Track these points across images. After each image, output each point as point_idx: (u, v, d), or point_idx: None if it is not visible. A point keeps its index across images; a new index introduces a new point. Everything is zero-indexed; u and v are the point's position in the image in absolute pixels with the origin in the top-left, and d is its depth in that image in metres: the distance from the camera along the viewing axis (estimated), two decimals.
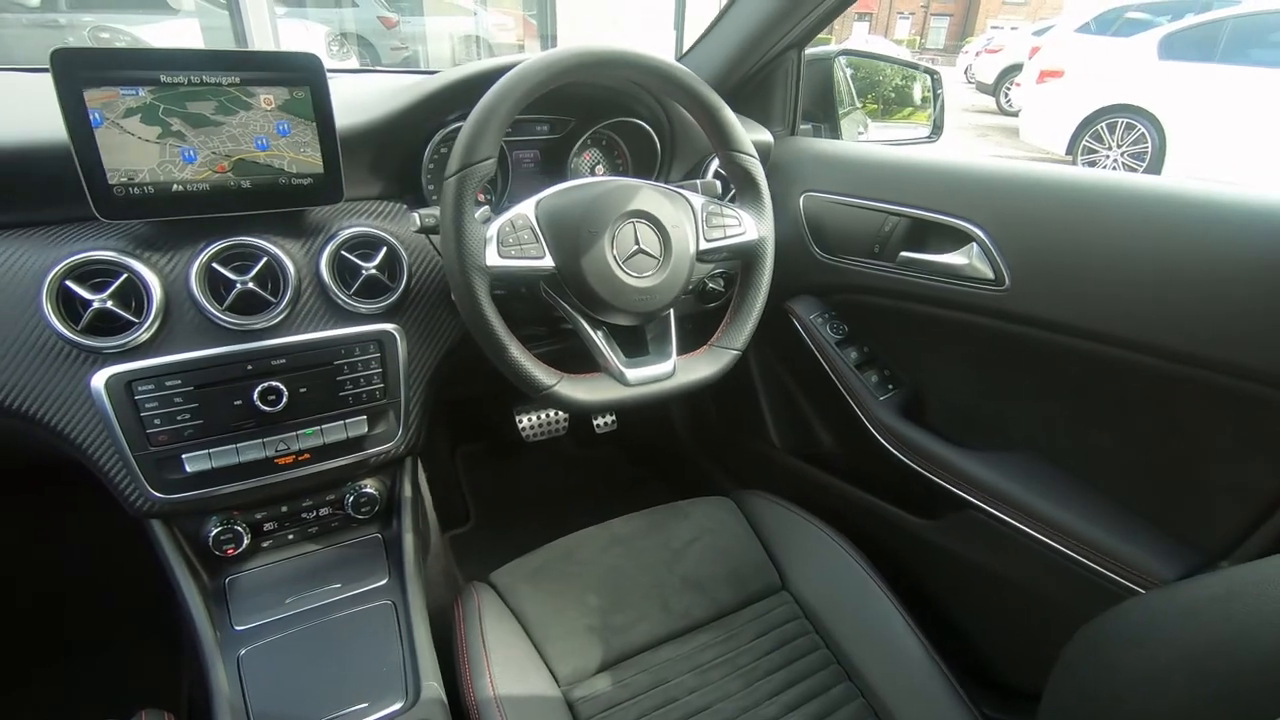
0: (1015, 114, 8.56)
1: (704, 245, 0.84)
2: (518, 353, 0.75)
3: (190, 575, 0.81)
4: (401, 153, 0.90)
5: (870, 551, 0.98)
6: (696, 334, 0.95)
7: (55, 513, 1.20)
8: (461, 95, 0.89)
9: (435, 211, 0.80)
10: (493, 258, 0.73)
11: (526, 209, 0.78)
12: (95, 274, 0.72)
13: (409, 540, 0.90)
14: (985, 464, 0.94)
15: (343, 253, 0.83)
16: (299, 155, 0.78)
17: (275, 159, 0.77)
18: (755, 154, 0.87)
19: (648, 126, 1.06)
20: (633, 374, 0.80)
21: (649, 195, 0.81)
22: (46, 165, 0.71)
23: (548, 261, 0.77)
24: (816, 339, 1.13)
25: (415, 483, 0.96)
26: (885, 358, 1.13)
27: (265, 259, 0.79)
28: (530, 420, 1.48)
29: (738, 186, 0.88)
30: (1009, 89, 10.16)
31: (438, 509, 1.18)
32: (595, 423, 1.56)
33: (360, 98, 0.89)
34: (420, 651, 0.79)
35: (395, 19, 7.19)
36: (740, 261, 0.90)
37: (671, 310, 0.85)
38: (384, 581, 0.87)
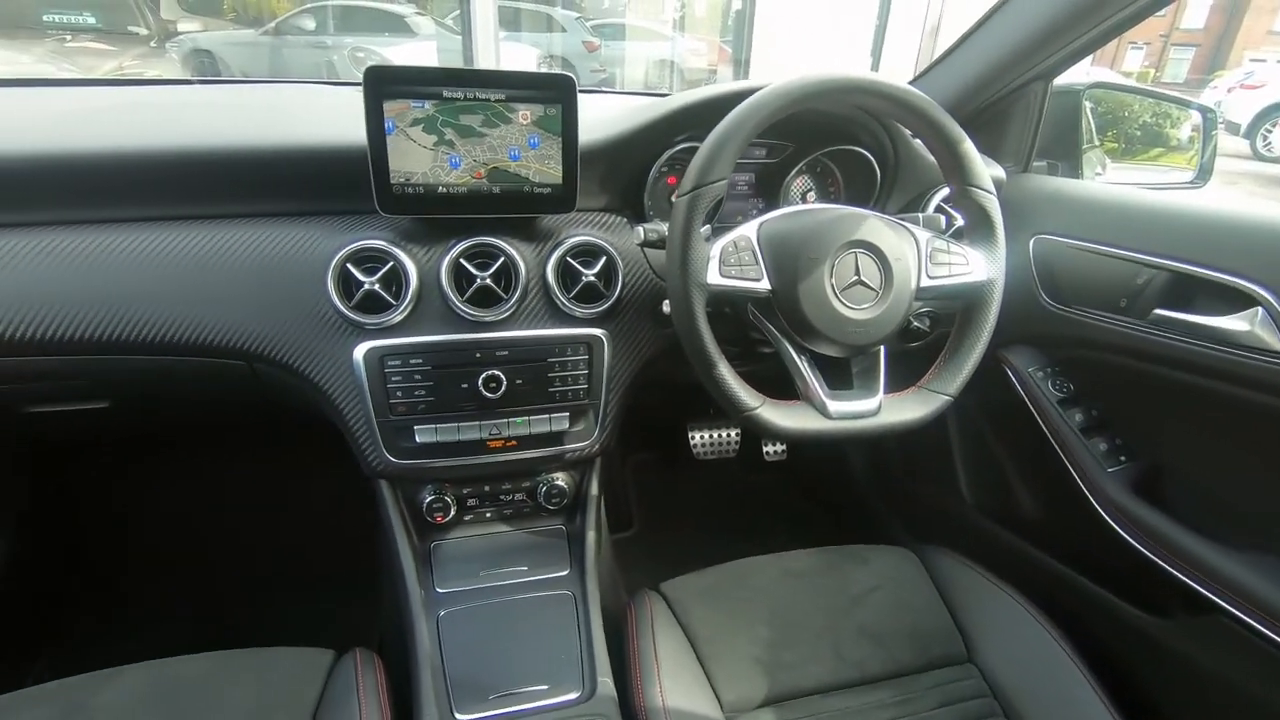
0: (1276, 160, 7.32)
1: (925, 282, 0.80)
2: (725, 371, 0.75)
3: (405, 534, 0.90)
4: (629, 169, 0.95)
5: (1077, 637, 0.87)
6: (893, 373, 0.91)
7: (298, 468, 1.40)
8: (693, 118, 0.92)
9: (658, 226, 0.83)
10: (713, 276, 0.75)
11: (749, 230, 0.78)
12: (368, 259, 0.83)
13: (591, 537, 0.94)
14: (1247, 564, 0.80)
15: (568, 259, 0.89)
16: (543, 167, 0.85)
17: (523, 169, 0.84)
18: (994, 191, 0.81)
19: (869, 155, 1.03)
20: (835, 406, 0.78)
21: (874, 226, 0.79)
22: (344, 164, 0.83)
23: (764, 284, 0.77)
24: (1034, 394, 1.03)
25: (601, 482, 1.00)
26: (1118, 425, 1.01)
27: (503, 259, 0.86)
28: (703, 438, 1.49)
29: (970, 224, 0.83)
30: (1269, 130, 8.73)
31: (606, 512, 1.23)
32: (765, 449, 1.54)
33: (598, 116, 0.95)
34: (596, 648, 0.82)
35: (597, 43, 7.67)
36: (960, 303, 0.84)
37: (883, 346, 0.82)
38: (565, 572, 0.92)
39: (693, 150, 0.88)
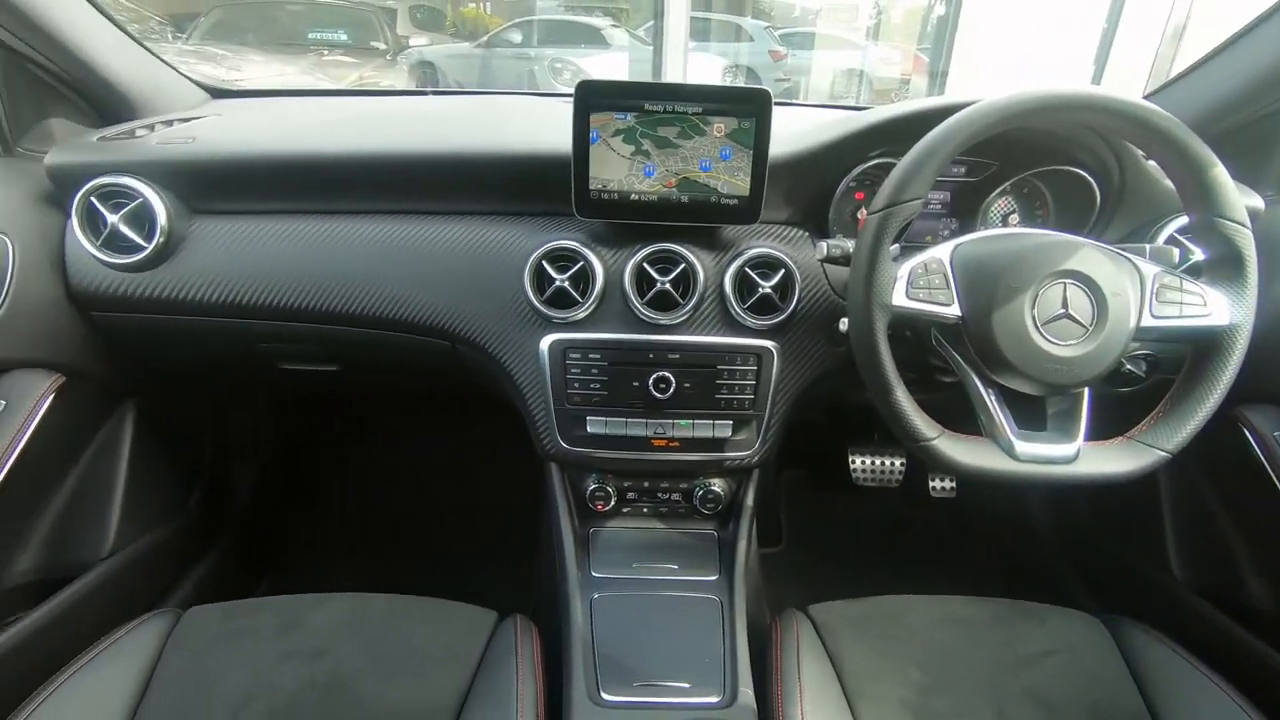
0: None
1: (1148, 321, 0.72)
2: (902, 396, 0.73)
3: (569, 516, 0.96)
4: (816, 184, 0.94)
5: None
6: (1096, 419, 0.81)
7: (483, 442, 1.54)
8: (890, 133, 0.90)
9: (842, 243, 0.82)
10: (899, 297, 0.72)
11: (942, 253, 0.75)
12: (561, 258, 0.90)
13: (743, 546, 0.95)
14: None
15: (746, 269, 0.90)
16: (732, 178, 0.87)
17: (712, 180, 0.87)
18: (1249, 224, 0.71)
19: (1090, 177, 0.93)
20: (1024, 448, 0.72)
21: (1090, 255, 0.72)
22: (546, 170, 0.90)
23: (953, 310, 0.73)
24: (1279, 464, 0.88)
25: (756, 493, 1.00)
26: None
27: (683, 265, 0.89)
28: (864, 463, 1.43)
29: (1214, 260, 0.73)
30: None
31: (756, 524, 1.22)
32: (932, 484, 1.45)
33: (787, 129, 0.95)
34: (740, 657, 0.82)
35: (784, 53, 7.58)
36: (1190, 348, 0.74)
37: (1088, 388, 0.74)
38: (714, 578, 0.93)
39: (886, 167, 0.86)
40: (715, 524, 1.02)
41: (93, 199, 0.90)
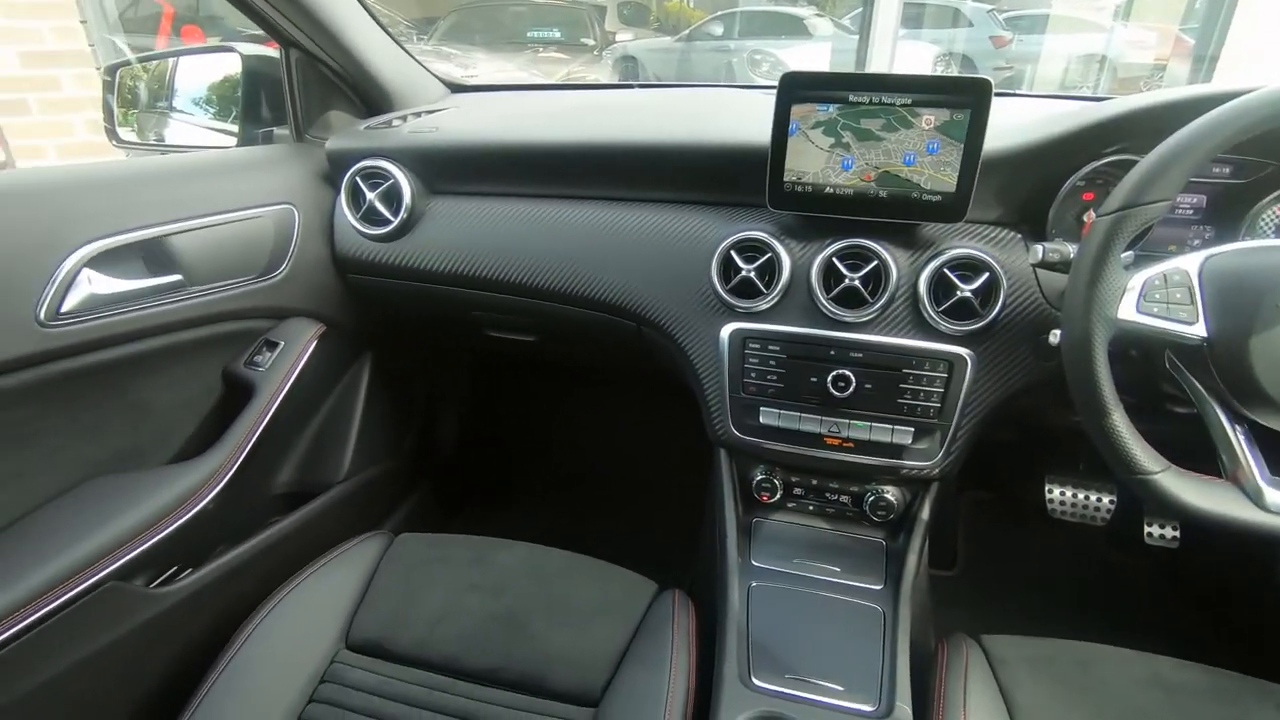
0: None
1: None
2: (1120, 421, 0.65)
3: (733, 503, 0.98)
4: (1036, 182, 0.86)
5: None
6: None
7: (659, 421, 1.61)
8: (1132, 127, 0.80)
9: (1061, 246, 0.75)
10: (1127, 310, 0.65)
11: (1189, 263, 0.66)
12: (749, 249, 0.91)
13: (913, 561, 0.90)
14: None
15: (945, 270, 0.85)
16: (937, 173, 0.82)
17: (916, 174, 0.83)
18: None
19: None
20: (1276, 497, 0.61)
21: None
22: (740, 161, 0.92)
23: (1197, 330, 0.64)
24: None
25: (933, 507, 0.94)
26: None
27: (875, 263, 0.86)
28: (1064, 494, 1.29)
29: None
30: None
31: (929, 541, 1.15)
32: (1149, 528, 1.27)
33: (1004, 122, 0.88)
34: (899, 672, 0.79)
35: (1008, 38, 6.88)
36: None
37: None
38: (879, 588, 0.90)
39: (1125, 165, 0.77)
40: (884, 533, 0.98)
41: (357, 178, 1.07)
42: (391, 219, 1.07)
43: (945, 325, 0.85)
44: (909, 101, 0.81)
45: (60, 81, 3.18)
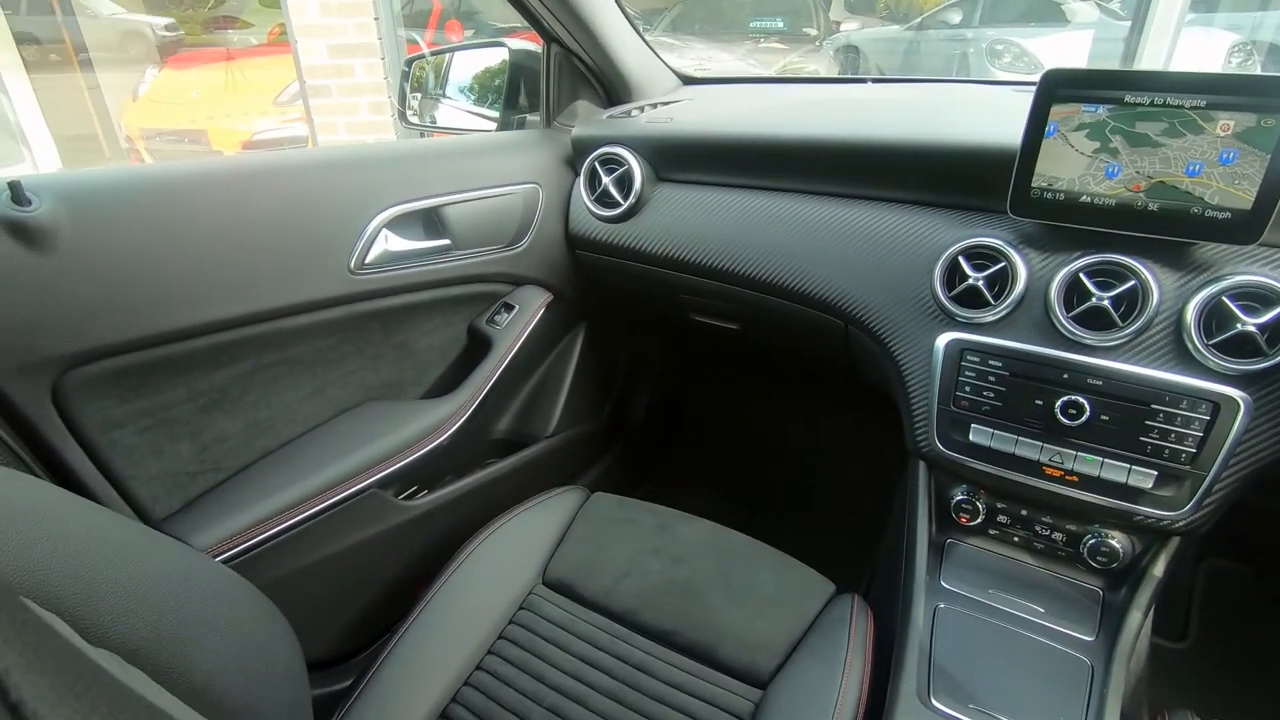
0: None
1: None
2: None
3: (928, 519, 0.94)
4: None
5: None
6: None
7: (855, 421, 1.58)
8: None
9: None
10: None
11: None
12: (980, 255, 0.86)
13: (1136, 618, 0.81)
14: None
15: (1224, 299, 0.74)
16: (1229, 187, 0.72)
17: (1200, 187, 0.73)
18: None
19: None
20: None
21: None
22: (979, 163, 0.87)
23: None
24: None
25: (1169, 564, 0.83)
26: None
27: (1133, 283, 0.78)
28: None
29: None
30: None
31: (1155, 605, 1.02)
32: None
33: None
34: None
35: None
36: None
37: None
38: (1091, 639, 0.82)
39: None
40: (1103, 582, 0.88)
41: (596, 163, 1.18)
42: (621, 202, 1.15)
43: (1215, 361, 0.74)
44: (1203, 104, 0.71)
45: (354, 70, 3.78)
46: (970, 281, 0.85)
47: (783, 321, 1.10)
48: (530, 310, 1.20)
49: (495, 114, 1.40)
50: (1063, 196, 0.79)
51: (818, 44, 6.93)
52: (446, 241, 1.08)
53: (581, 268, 1.29)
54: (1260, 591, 1.29)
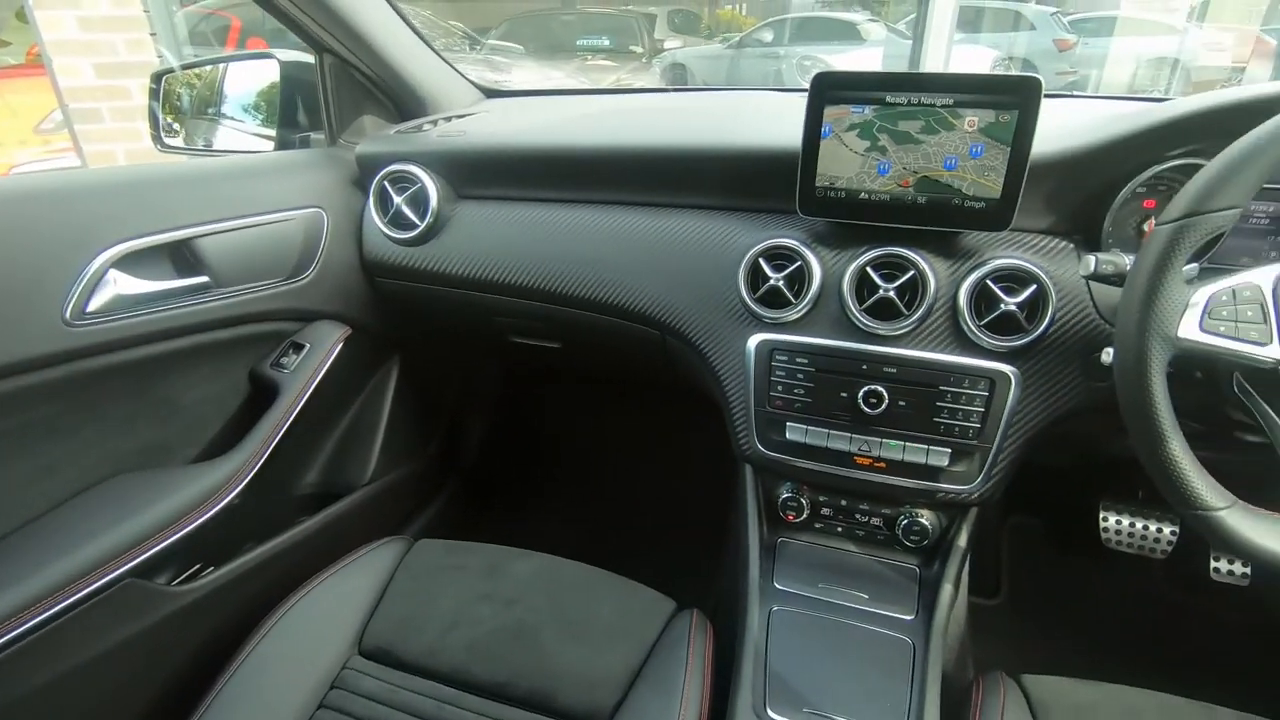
0: None
1: None
2: (1180, 451, 0.59)
3: (757, 521, 0.93)
4: (1089, 188, 0.80)
5: None
6: None
7: (685, 434, 1.58)
8: (1199, 128, 0.73)
9: (1116, 258, 0.69)
10: (1189, 329, 0.59)
11: (1263, 278, 0.59)
12: (778, 256, 0.87)
13: (948, 591, 0.85)
14: None
15: (988, 282, 0.80)
16: (980, 178, 0.77)
17: (957, 179, 0.78)
18: None
19: None
20: None
21: None
22: (771, 165, 0.88)
23: (1270, 351, 0.57)
24: None
25: (971, 534, 0.88)
26: None
27: (912, 273, 0.81)
28: (1120, 523, 1.20)
29: None
30: None
31: (970, 570, 1.09)
32: (1215, 563, 1.17)
33: (1059, 124, 0.82)
34: (927, 713, 0.74)
35: (1072, 41, 6.63)
36: None
37: None
38: (910, 619, 0.84)
39: (1190, 169, 0.71)
40: (918, 559, 0.92)
41: (385, 183, 1.08)
42: (418, 223, 1.06)
43: (987, 340, 0.80)
44: (950, 102, 0.76)
45: (130, 91, 3.34)
46: (771, 282, 0.86)
47: (601, 336, 1.06)
48: (325, 348, 1.07)
49: (273, 133, 1.25)
50: (844, 195, 0.82)
51: (645, 60, 7.15)
52: (204, 279, 0.93)
53: (384, 296, 1.18)
54: (1051, 541, 1.44)
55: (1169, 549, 1.18)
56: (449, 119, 1.18)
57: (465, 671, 0.81)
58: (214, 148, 1.38)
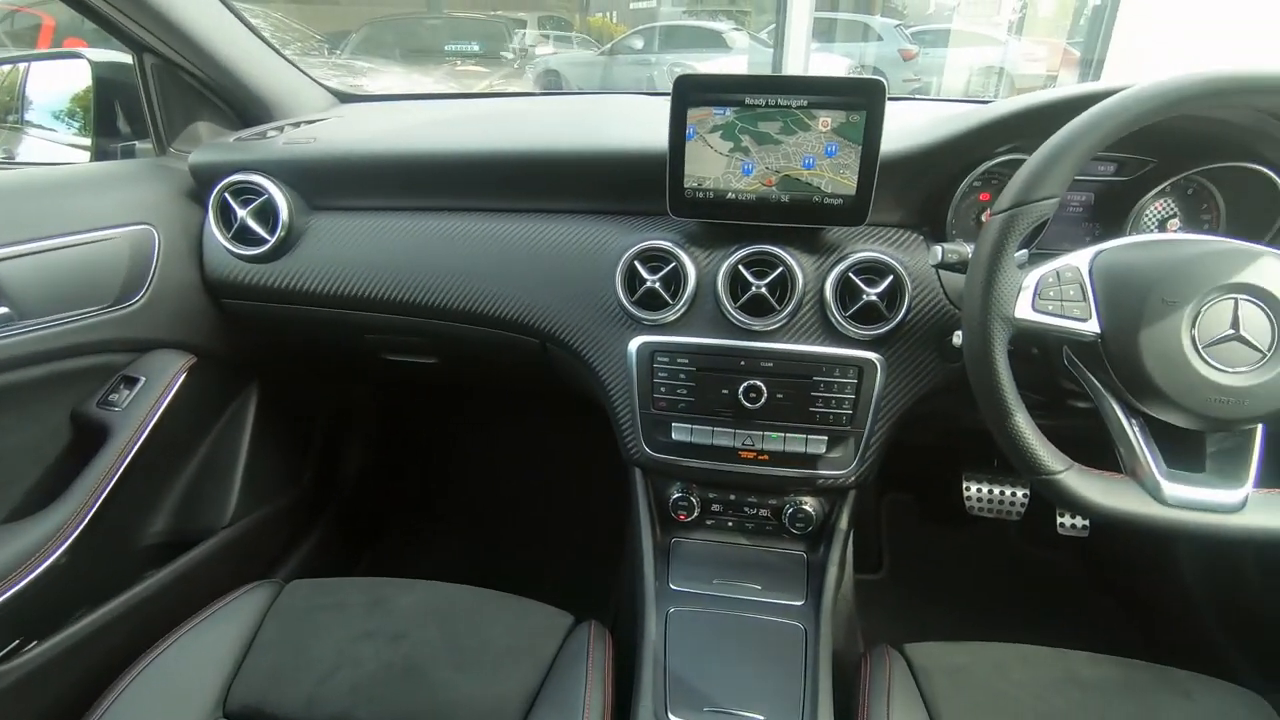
0: None
1: None
2: (1023, 422, 0.64)
3: (650, 524, 0.93)
4: (933, 183, 0.86)
5: None
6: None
7: (575, 443, 1.55)
8: (1022, 126, 0.80)
9: (960, 247, 0.74)
10: (1024, 309, 0.64)
11: (1080, 260, 0.66)
12: (653, 258, 0.87)
13: (833, 573, 0.88)
14: None
15: (850, 275, 0.83)
16: (837, 176, 0.81)
17: (816, 178, 0.81)
18: None
19: (1275, 177, 0.79)
20: (1174, 491, 0.61)
21: (1272, 267, 0.60)
22: (641, 168, 0.88)
23: (1090, 326, 0.63)
24: None
25: (851, 516, 0.92)
26: None
27: (781, 269, 0.84)
28: (979, 491, 1.30)
29: None
30: None
31: (854, 549, 1.14)
32: (1061, 520, 1.29)
33: (905, 125, 0.87)
34: (821, 694, 0.76)
35: (915, 51, 7.21)
36: None
37: (1262, 425, 0.62)
38: (800, 603, 0.87)
39: (1015, 164, 0.77)
40: (805, 546, 0.95)
41: (226, 195, 0.98)
42: (267, 238, 0.98)
43: (853, 330, 0.84)
44: (805, 103, 0.79)
45: None
46: (648, 284, 0.86)
47: (480, 348, 1.02)
48: (164, 380, 0.96)
49: (89, 142, 1.11)
50: (712, 195, 0.83)
51: (518, 67, 7.06)
52: (2, 310, 0.80)
53: (233, 319, 1.07)
54: (923, 514, 1.55)
55: (1023, 510, 1.29)
56: (297, 125, 1.09)
57: (349, 718, 0.75)
58: (16, 160, 1.21)
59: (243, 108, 1.11)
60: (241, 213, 0.97)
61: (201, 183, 1.00)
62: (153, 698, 0.76)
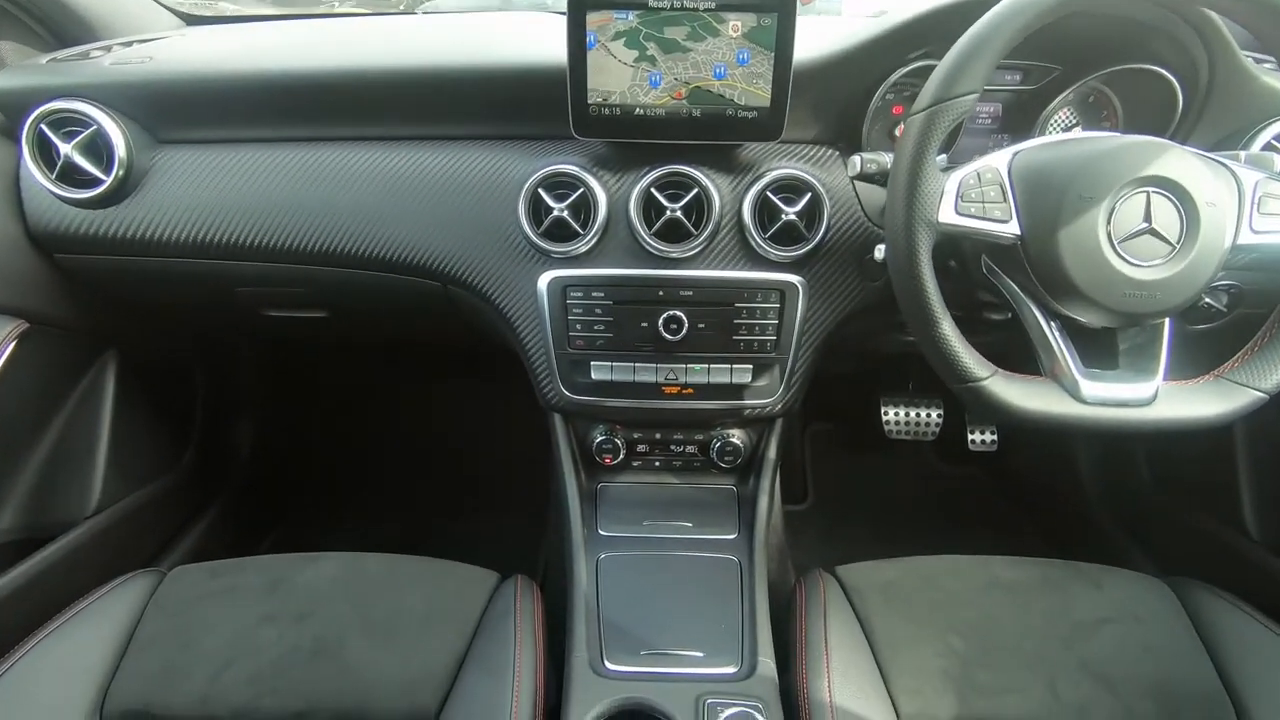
0: None
1: (1247, 238, 0.61)
2: (950, 330, 0.63)
3: (574, 471, 0.89)
4: (847, 94, 0.82)
5: None
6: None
7: (491, 393, 1.47)
8: (933, 30, 0.77)
9: (878, 157, 0.71)
10: (947, 213, 0.62)
11: (998, 161, 0.64)
12: (560, 185, 0.80)
13: (764, 503, 0.87)
14: None
15: (768, 194, 0.80)
16: (750, 87, 0.75)
17: (728, 89, 0.76)
18: None
19: (1171, 77, 0.80)
20: (1091, 389, 0.62)
21: (1180, 159, 0.60)
22: (541, 85, 0.80)
23: (1011, 228, 0.62)
24: None
25: (780, 445, 0.91)
26: None
27: (696, 190, 0.79)
28: (897, 414, 1.33)
29: None
30: None
31: (780, 480, 1.14)
32: (971, 437, 1.35)
33: (819, 39, 0.83)
34: (759, 623, 0.75)
35: None
36: None
37: (1169, 319, 0.63)
38: (733, 536, 0.86)
39: (928, 70, 0.74)
40: (734, 479, 0.93)
41: (43, 126, 0.82)
42: (101, 177, 0.83)
43: (773, 252, 0.80)
44: (713, 5, 0.72)
45: None
46: (555, 213, 0.79)
47: (374, 296, 0.92)
48: None
49: None
50: (619, 111, 0.76)
51: (403, 7, 6.56)
52: None
53: (71, 276, 0.92)
54: (847, 441, 1.58)
55: (937, 430, 1.33)
56: (129, 44, 0.93)
57: (253, 710, 0.68)
58: None
59: (58, 25, 0.93)
60: (65, 148, 0.82)
61: (9, 114, 0.84)
62: (8, 712, 0.66)
